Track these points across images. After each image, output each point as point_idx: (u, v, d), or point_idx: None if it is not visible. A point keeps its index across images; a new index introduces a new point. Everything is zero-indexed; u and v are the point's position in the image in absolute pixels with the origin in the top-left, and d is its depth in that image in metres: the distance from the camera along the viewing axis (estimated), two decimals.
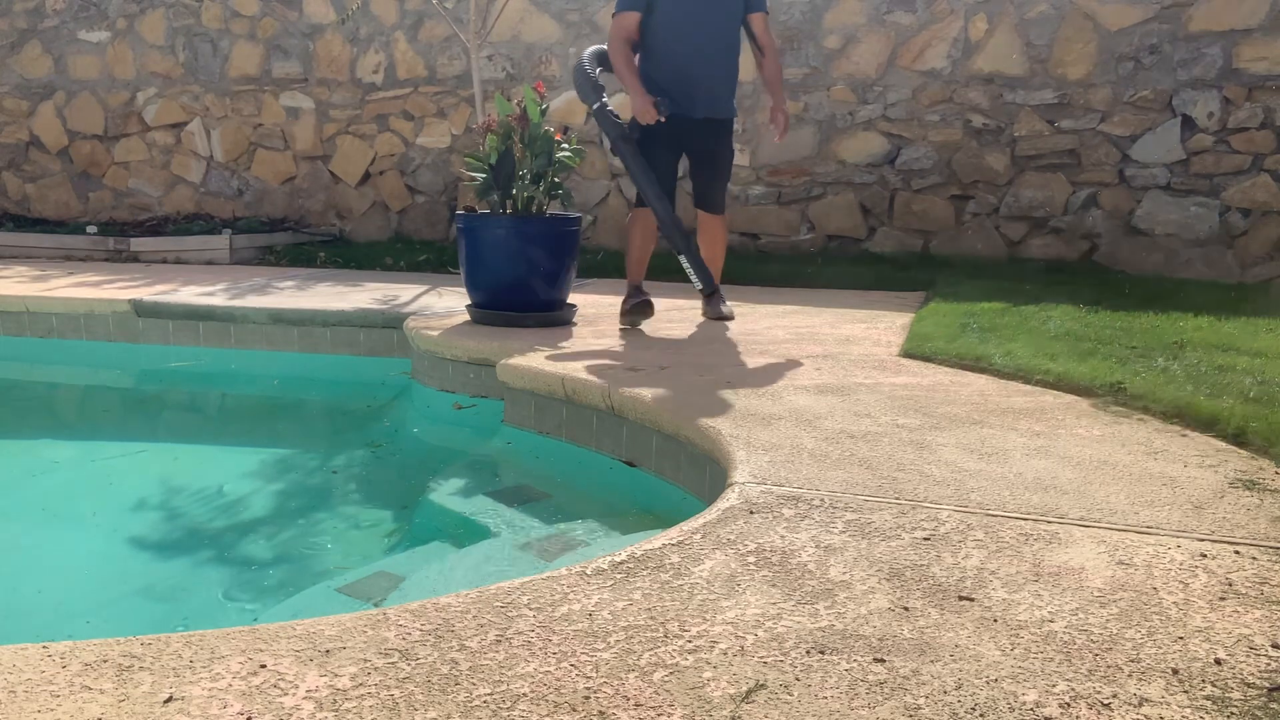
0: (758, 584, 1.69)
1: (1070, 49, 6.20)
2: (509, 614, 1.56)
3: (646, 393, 3.04)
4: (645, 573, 1.73)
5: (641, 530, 2.54)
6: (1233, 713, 1.32)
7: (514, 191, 4.31)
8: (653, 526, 2.50)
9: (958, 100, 6.42)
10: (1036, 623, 1.56)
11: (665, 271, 5.75)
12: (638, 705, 1.31)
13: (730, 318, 4.51)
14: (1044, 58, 6.26)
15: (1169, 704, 1.33)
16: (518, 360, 3.54)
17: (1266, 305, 4.83)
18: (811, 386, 3.16)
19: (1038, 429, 2.70)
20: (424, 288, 5.59)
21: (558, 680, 1.36)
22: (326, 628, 1.50)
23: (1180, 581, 1.73)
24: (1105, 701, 1.34)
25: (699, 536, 1.90)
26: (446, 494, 3.08)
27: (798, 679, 1.38)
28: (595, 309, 4.70)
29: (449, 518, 2.85)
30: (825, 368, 3.46)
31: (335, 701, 1.30)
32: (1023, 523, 2.00)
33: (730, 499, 2.11)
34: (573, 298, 4.55)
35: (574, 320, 4.41)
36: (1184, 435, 2.68)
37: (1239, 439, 2.61)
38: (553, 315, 4.33)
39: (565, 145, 4.33)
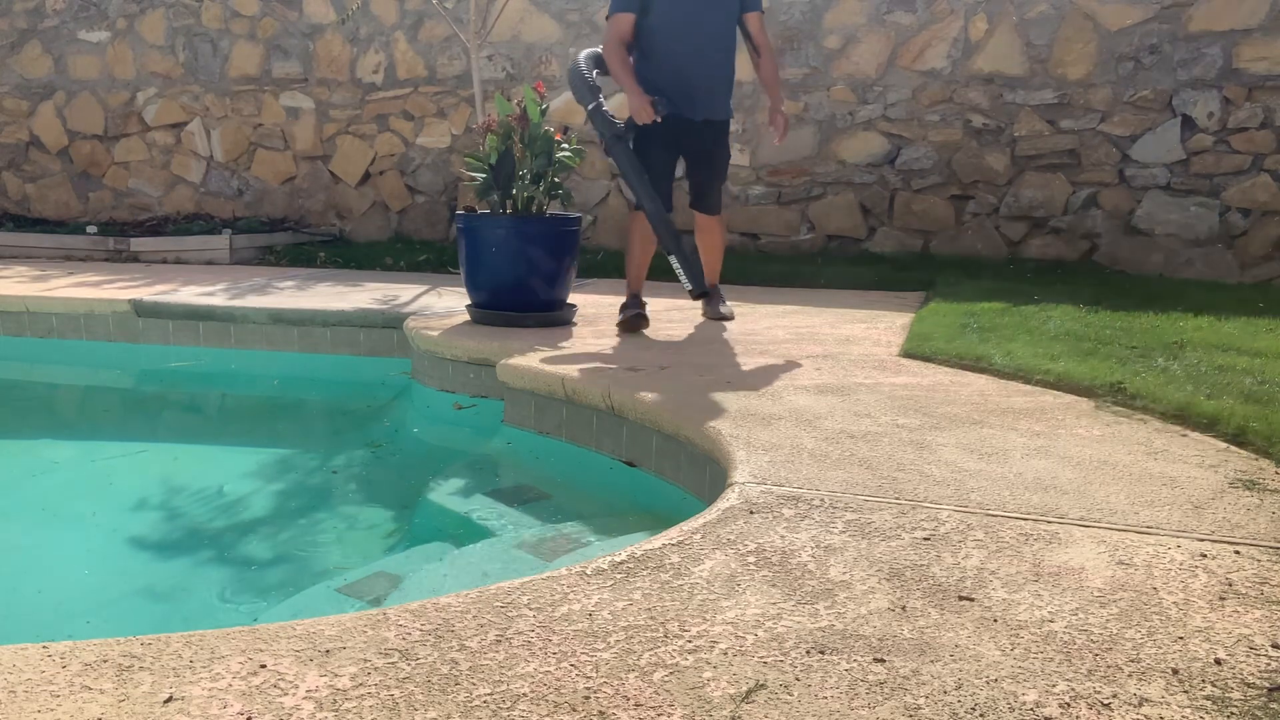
0: (758, 584, 1.69)
1: (1070, 49, 6.20)
2: (509, 614, 1.56)
3: (646, 393, 3.04)
4: (645, 573, 1.73)
5: (641, 530, 2.54)
6: (1233, 713, 1.32)
7: (514, 191, 4.31)
8: (653, 526, 2.50)
9: (958, 100, 6.42)
10: (1036, 623, 1.56)
11: (665, 273, 5.74)
12: (638, 705, 1.31)
13: (730, 318, 4.51)
14: (1044, 58, 6.26)
15: (1169, 704, 1.33)
16: (518, 360, 3.54)
17: (1266, 305, 4.83)
18: (811, 386, 3.16)
19: (1038, 429, 2.70)
20: (424, 288, 5.59)
21: (558, 680, 1.36)
22: (326, 628, 1.50)
23: (1180, 581, 1.73)
24: (1105, 701, 1.34)
25: (699, 536, 1.90)
26: (446, 494, 3.08)
27: (798, 679, 1.38)
28: (595, 309, 4.70)
29: (449, 518, 2.85)
30: (825, 368, 3.46)
31: (335, 701, 1.30)
32: (1023, 523, 2.00)
33: (730, 499, 2.11)
34: (573, 298, 4.55)
35: (574, 320, 4.41)
36: (1184, 435, 2.68)
37: (1239, 439, 2.61)
38: (553, 315, 4.34)
39: (565, 145, 4.33)
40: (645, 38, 4.20)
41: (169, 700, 1.29)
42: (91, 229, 7.51)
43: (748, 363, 3.56)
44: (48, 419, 4.44)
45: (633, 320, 4.17)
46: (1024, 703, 1.33)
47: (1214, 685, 1.38)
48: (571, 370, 3.35)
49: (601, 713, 1.29)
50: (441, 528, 2.80)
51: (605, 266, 6.21)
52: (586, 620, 1.54)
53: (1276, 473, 2.37)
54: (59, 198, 8.31)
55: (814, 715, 1.29)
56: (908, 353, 3.70)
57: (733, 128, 6.54)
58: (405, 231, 7.62)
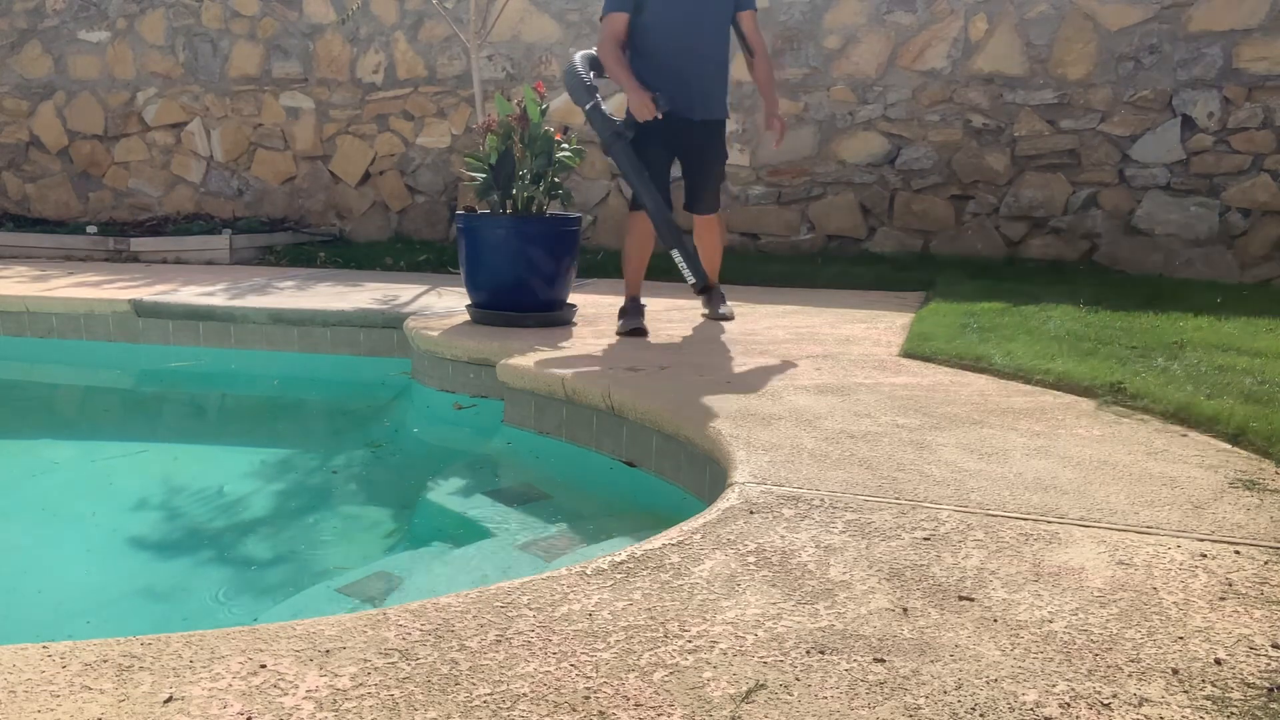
0: (758, 584, 1.69)
1: (1070, 49, 6.20)
2: (509, 614, 1.56)
3: (646, 393, 3.04)
4: (645, 573, 1.73)
5: (641, 530, 2.53)
6: (1233, 713, 1.32)
7: (514, 191, 4.31)
8: (653, 526, 2.49)
9: (958, 100, 6.42)
10: (1036, 623, 1.56)
11: (665, 272, 5.74)
12: (638, 705, 1.31)
13: (730, 318, 4.51)
14: (1044, 58, 6.26)
15: (1169, 704, 1.33)
16: (518, 360, 3.54)
17: (1266, 305, 4.83)
18: (811, 386, 3.16)
19: (1038, 429, 2.70)
20: (424, 288, 5.59)
21: (558, 680, 1.36)
22: (326, 628, 1.50)
23: (1180, 581, 1.73)
24: (1105, 701, 1.34)
25: (699, 536, 1.90)
26: (446, 494, 3.08)
27: (798, 679, 1.38)
28: (595, 309, 4.70)
29: (449, 518, 2.85)
30: (825, 368, 3.46)
31: (335, 701, 1.30)
32: (1023, 523, 2.00)
33: (730, 499, 2.11)
34: (573, 298, 4.55)
35: (574, 320, 4.41)
36: (1184, 435, 2.68)
37: (1239, 439, 2.61)
38: (553, 315, 4.33)
39: (565, 145, 4.33)
40: (640, 37, 4.18)
41: (169, 700, 1.29)
42: (91, 229, 7.51)
43: (748, 363, 3.56)
44: (48, 419, 4.44)
45: (631, 334, 4.13)
46: (1024, 703, 1.33)
47: (1214, 685, 1.38)
48: (571, 370, 3.35)
49: (601, 713, 1.29)
50: (441, 528, 2.80)
51: (605, 266, 6.21)
52: (586, 620, 1.54)
53: (1276, 473, 2.37)
54: (59, 198, 8.31)
55: (814, 715, 1.29)
56: (908, 353, 3.70)
57: (733, 128, 6.59)
58: (405, 231, 7.62)
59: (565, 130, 4.47)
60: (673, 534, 1.91)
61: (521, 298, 4.29)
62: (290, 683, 1.34)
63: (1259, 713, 1.32)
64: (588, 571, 1.73)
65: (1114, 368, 3.27)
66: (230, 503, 3.12)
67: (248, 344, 4.80)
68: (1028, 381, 3.25)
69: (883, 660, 1.44)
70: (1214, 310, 4.52)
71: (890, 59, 6.53)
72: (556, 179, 4.35)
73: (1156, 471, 2.34)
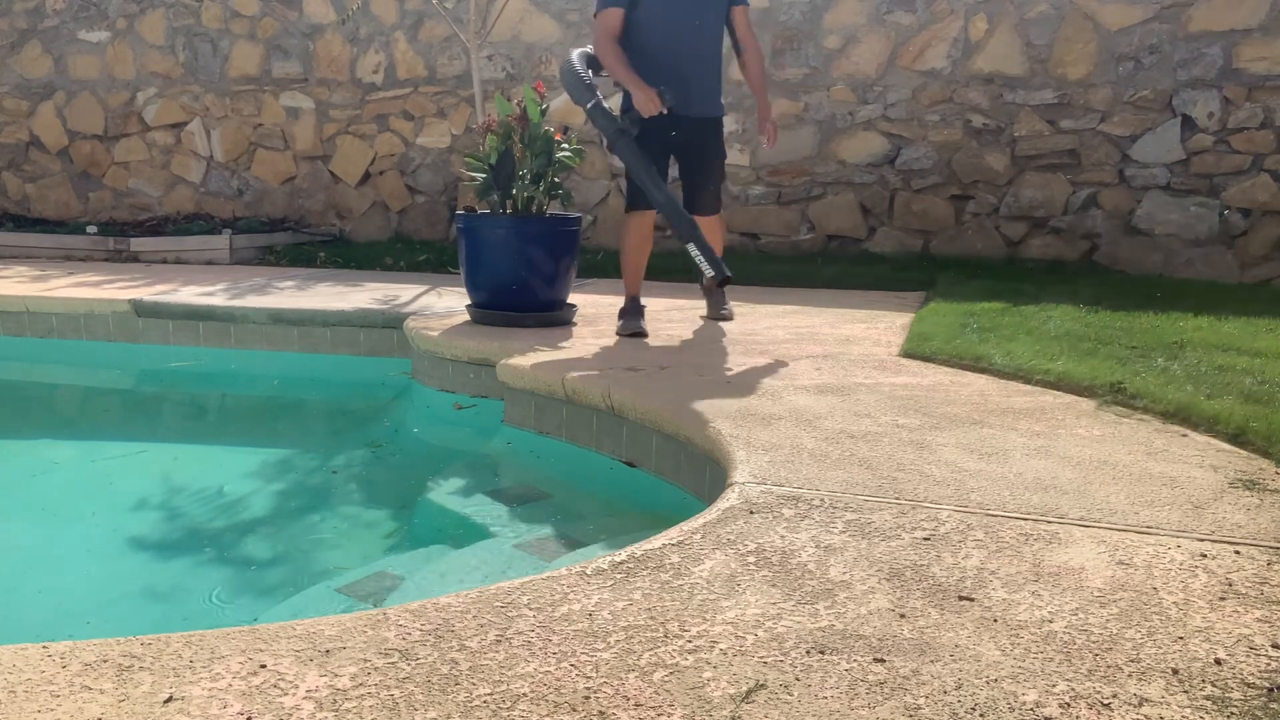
0: (758, 584, 1.69)
1: (1070, 49, 6.21)
2: (509, 614, 1.56)
3: (646, 393, 3.04)
4: (645, 573, 1.73)
5: (641, 530, 2.53)
6: (1233, 713, 1.32)
7: (514, 191, 4.31)
8: (653, 526, 2.49)
9: (958, 100, 6.42)
10: (1036, 623, 1.56)
11: (664, 272, 5.75)
12: (638, 705, 1.31)
13: (730, 318, 4.51)
14: (1044, 58, 6.26)
15: (1169, 704, 1.33)
16: (518, 360, 3.54)
17: (1266, 305, 4.83)
18: (811, 386, 3.16)
19: (1038, 429, 2.70)
20: (424, 288, 5.59)
21: (558, 680, 1.36)
22: (326, 628, 1.50)
23: (1180, 581, 1.73)
24: (1105, 701, 1.34)
25: (699, 536, 1.90)
26: (446, 494, 3.08)
27: (798, 679, 1.38)
28: (595, 309, 4.70)
29: (449, 518, 2.85)
30: (825, 368, 3.46)
31: (335, 701, 1.30)
32: (1023, 523, 2.00)
33: (730, 499, 2.11)
34: (573, 298, 4.55)
35: (574, 320, 4.41)
36: (1184, 435, 2.68)
37: (1239, 439, 2.61)
38: (553, 315, 4.33)
39: (565, 145, 4.33)
40: (635, 33, 4.12)
41: (169, 700, 1.29)
42: (91, 229, 7.51)
43: (747, 363, 3.56)
44: (48, 419, 4.44)
45: (632, 335, 4.10)
46: (1024, 703, 1.33)
47: (1214, 685, 1.38)
48: (571, 370, 3.35)
49: (601, 713, 1.29)
50: (441, 528, 2.80)
51: (605, 266, 6.21)
52: (586, 620, 1.54)
53: (1276, 473, 2.37)
54: (59, 198, 8.31)
55: (814, 715, 1.29)
56: (908, 353, 3.70)
57: (733, 127, 6.59)
58: (405, 231, 7.62)
59: (565, 130, 4.47)
60: (673, 534, 1.91)
61: (521, 298, 4.29)
62: (290, 683, 1.34)
63: (1259, 713, 1.32)
64: (588, 571, 1.73)
65: (1114, 368, 3.27)
66: (230, 503, 3.12)
67: (248, 344, 4.80)
68: (1028, 381, 3.25)
69: (883, 660, 1.44)
70: (1214, 310, 4.52)
71: (890, 59, 6.53)
72: (556, 179, 4.35)
73: (1156, 471, 2.34)
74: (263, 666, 1.38)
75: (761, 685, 1.36)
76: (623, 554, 1.80)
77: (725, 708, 1.30)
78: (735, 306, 4.66)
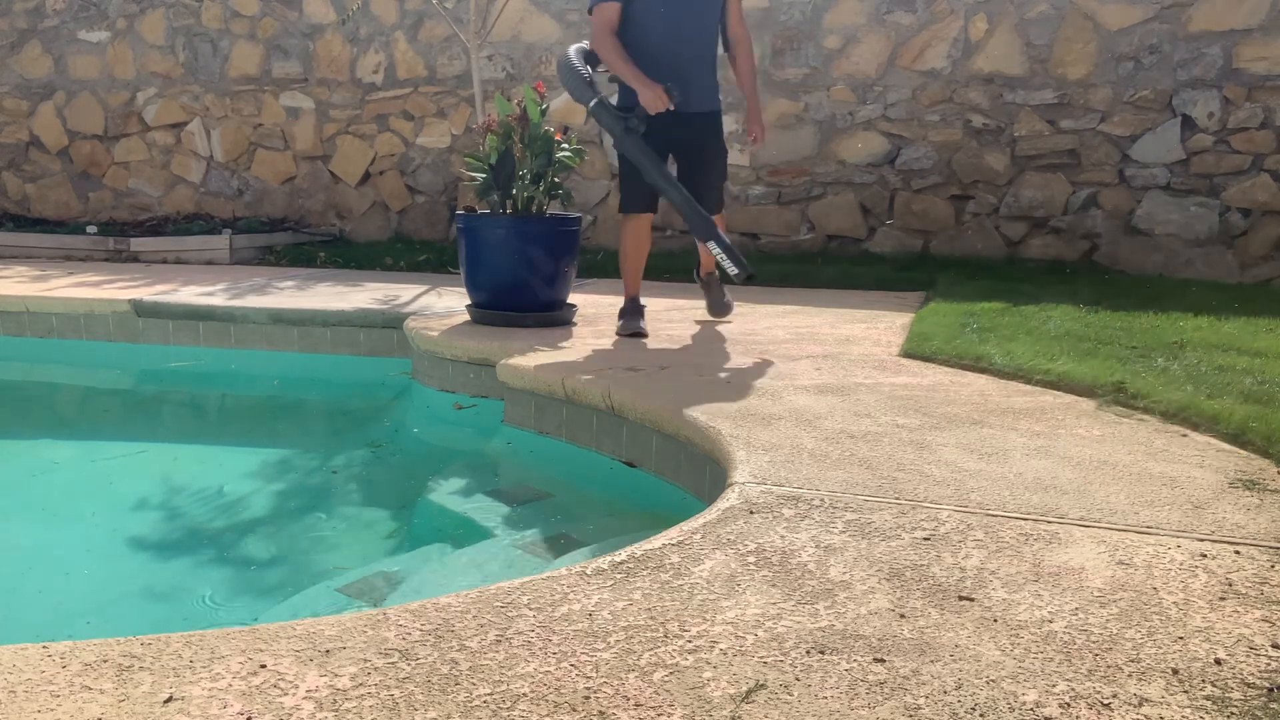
0: (758, 584, 1.69)
1: (1070, 49, 6.21)
2: (509, 614, 1.56)
3: (646, 393, 3.04)
4: (645, 573, 1.73)
5: (641, 530, 2.53)
6: (1233, 713, 1.32)
7: (514, 191, 4.31)
8: (653, 526, 2.49)
9: (958, 100, 6.42)
10: (1036, 623, 1.56)
11: (664, 271, 5.76)
12: (638, 705, 1.31)
13: (730, 308, 4.52)
14: (1044, 58, 6.26)
15: (1169, 704, 1.33)
16: (518, 360, 3.54)
17: (1266, 305, 4.83)
18: (811, 386, 3.16)
19: (1038, 429, 2.70)
20: (424, 288, 5.59)
21: (558, 680, 1.36)
22: (326, 628, 1.50)
23: (1180, 581, 1.73)
24: (1105, 701, 1.34)
25: (699, 536, 1.90)
26: (446, 494, 3.08)
27: (798, 679, 1.38)
28: (595, 309, 4.70)
29: (449, 518, 2.85)
30: (825, 368, 3.46)
31: (335, 701, 1.30)
32: (1023, 523, 2.00)
33: (730, 499, 2.11)
34: (573, 298, 4.55)
35: (574, 320, 4.41)
36: (1184, 435, 2.68)
37: (1239, 439, 2.61)
38: (553, 315, 4.33)
39: (565, 145, 4.32)
40: (631, 28, 4.05)
41: (169, 700, 1.29)
42: (91, 229, 7.51)
43: (747, 362, 3.56)
44: (48, 419, 4.44)
45: (632, 336, 4.08)
46: (1024, 703, 1.33)
47: (1214, 685, 1.38)
48: (571, 370, 3.35)
49: (601, 713, 1.29)
50: (441, 528, 2.80)
51: (605, 266, 6.21)
52: (586, 620, 1.54)
53: (1277, 473, 2.37)
54: (59, 198, 8.31)
55: (814, 715, 1.29)
56: (908, 353, 3.70)
57: (733, 127, 6.57)
58: (405, 231, 7.62)
59: (565, 130, 4.47)
60: (673, 534, 1.91)
61: (521, 298, 4.29)
62: (290, 683, 1.34)
63: (1259, 713, 1.32)
64: (588, 571, 1.73)
65: (1114, 368, 3.27)
66: (230, 503, 3.12)
67: (248, 344, 4.80)
68: (1028, 381, 3.25)
69: (883, 660, 1.44)
70: (1214, 310, 4.52)
71: (890, 59, 6.53)
72: (556, 179, 4.35)
73: (1156, 471, 2.34)
74: (263, 666, 1.38)
75: (761, 685, 1.36)
76: (623, 554, 1.80)
77: (725, 708, 1.30)
78: (735, 306, 4.66)
